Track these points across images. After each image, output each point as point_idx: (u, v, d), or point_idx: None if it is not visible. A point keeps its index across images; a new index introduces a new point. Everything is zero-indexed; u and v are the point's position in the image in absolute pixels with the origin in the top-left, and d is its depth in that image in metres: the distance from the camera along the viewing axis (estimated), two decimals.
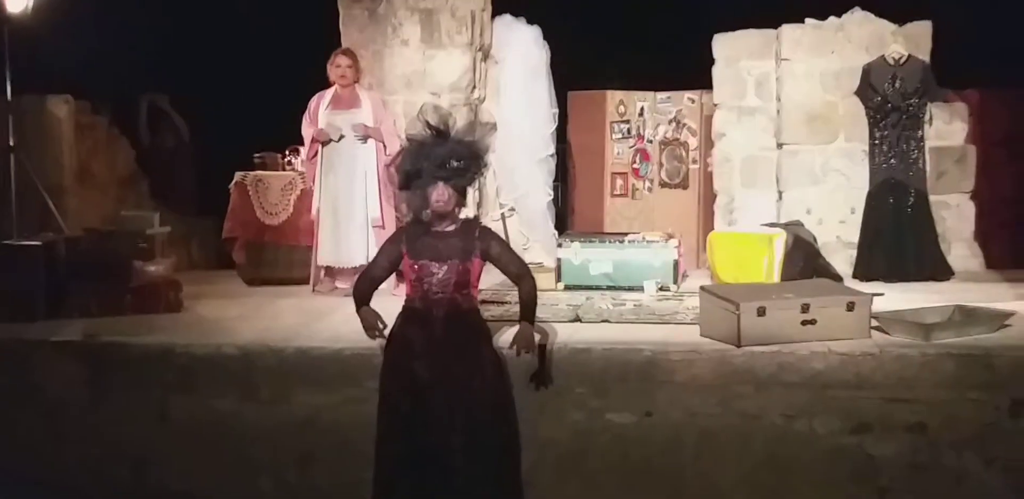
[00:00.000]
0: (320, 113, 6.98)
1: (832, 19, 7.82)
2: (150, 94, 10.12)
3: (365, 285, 4.75)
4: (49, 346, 5.54)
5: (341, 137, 6.93)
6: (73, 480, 5.38)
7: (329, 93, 7.05)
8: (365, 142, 6.91)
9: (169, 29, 9.40)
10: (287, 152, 7.79)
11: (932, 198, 7.43)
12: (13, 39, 7.71)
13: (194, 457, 5.31)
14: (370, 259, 6.89)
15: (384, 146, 6.90)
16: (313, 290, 7.08)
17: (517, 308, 6.04)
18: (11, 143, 7.80)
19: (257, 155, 7.83)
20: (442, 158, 4.51)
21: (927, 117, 7.45)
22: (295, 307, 6.50)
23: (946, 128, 7.78)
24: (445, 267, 4.55)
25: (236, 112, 9.44)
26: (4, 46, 7.67)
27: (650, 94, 9.31)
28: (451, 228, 4.63)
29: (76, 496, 5.27)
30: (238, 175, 7.66)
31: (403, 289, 4.80)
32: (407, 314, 4.64)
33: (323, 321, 5.99)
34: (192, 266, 8.73)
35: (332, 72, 7.02)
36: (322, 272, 7.12)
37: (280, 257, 7.59)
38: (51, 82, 8.40)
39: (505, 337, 4.80)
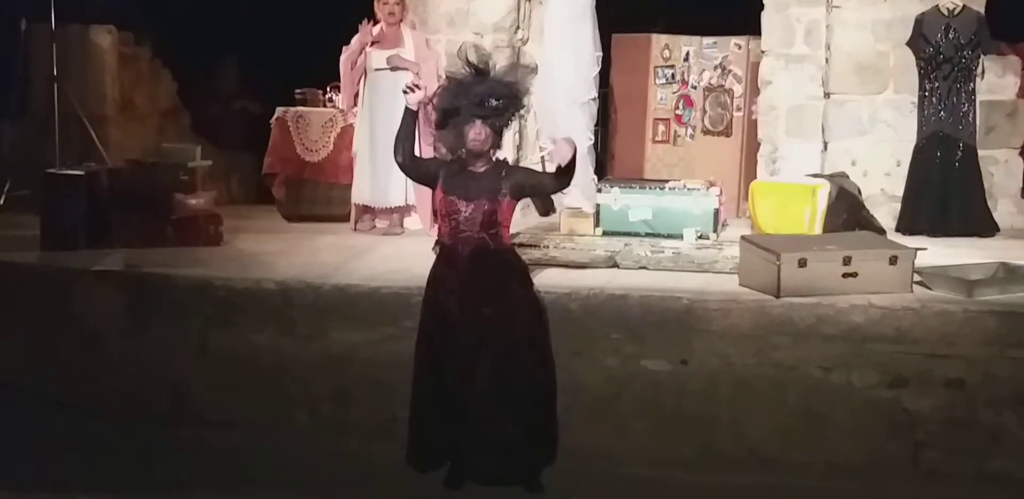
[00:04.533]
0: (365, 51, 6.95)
1: None
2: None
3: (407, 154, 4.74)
4: (90, 275, 5.60)
5: (379, 69, 6.94)
6: (112, 408, 5.46)
7: (374, 31, 7.00)
8: (394, 72, 6.87)
9: None
10: (328, 89, 7.74)
11: (980, 153, 7.30)
12: None
13: (231, 389, 5.38)
14: (407, 200, 6.98)
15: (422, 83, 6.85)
16: (354, 228, 7.10)
17: (555, 253, 6.09)
18: (55, 72, 7.81)
19: (298, 91, 7.80)
20: (481, 96, 4.49)
21: (979, 70, 7.30)
22: (334, 244, 6.52)
23: (998, 82, 7.63)
24: (472, 206, 4.53)
25: (278, 47, 9.37)
26: None
27: (696, 39, 9.14)
28: (483, 169, 4.61)
29: (115, 424, 5.34)
30: (279, 110, 7.64)
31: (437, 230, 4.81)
32: (441, 251, 4.67)
33: (361, 259, 6.01)
34: (232, 201, 8.74)
35: (380, 10, 6.97)
36: (361, 210, 7.13)
37: (320, 194, 7.59)
38: (94, 12, 8.37)
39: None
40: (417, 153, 4.94)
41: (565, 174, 4.62)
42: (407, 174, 4.93)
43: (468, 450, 4.56)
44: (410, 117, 4.70)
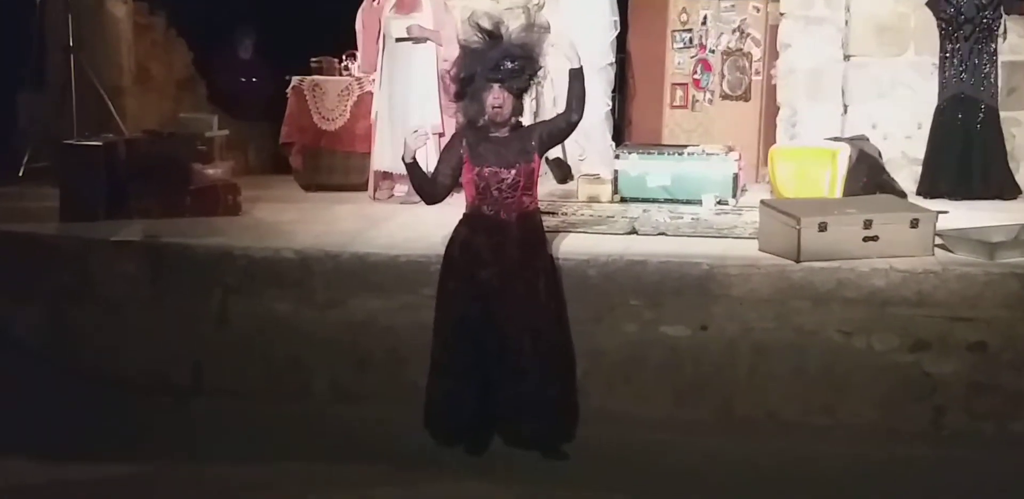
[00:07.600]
0: (383, 16, 6.91)
1: None
2: None
3: (435, 190, 4.68)
4: (109, 246, 5.62)
5: (399, 40, 6.86)
6: (132, 377, 5.49)
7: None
8: (416, 44, 6.83)
9: None
10: (344, 57, 7.71)
11: (1002, 114, 7.24)
12: None
13: (251, 358, 5.40)
14: (427, 167, 6.94)
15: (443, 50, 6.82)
16: (372, 196, 7.09)
17: (573, 219, 6.08)
18: (71, 43, 7.80)
19: (314, 59, 7.77)
20: (495, 60, 4.46)
21: (1001, 30, 7.22)
22: (352, 213, 6.52)
23: (1020, 42, 7.53)
24: (514, 171, 4.52)
25: (293, 15, 9.33)
26: None
27: (714, 2, 9.06)
28: (508, 133, 4.60)
29: (135, 393, 5.38)
30: (295, 79, 7.61)
31: (456, 198, 4.76)
32: (472, 221, 4.61)
33: (380, 228, 6.01)
34: (249, 171, 8.72)
35: None
36: (380, 178, 7.12)
37: (337, 163, 7.57)
38: None
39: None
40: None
41: (579, 100, 4.57)
42: (448, 192, 4.83)
43: (502, 414, 4.57)
44: (413, 168, 4.63)
